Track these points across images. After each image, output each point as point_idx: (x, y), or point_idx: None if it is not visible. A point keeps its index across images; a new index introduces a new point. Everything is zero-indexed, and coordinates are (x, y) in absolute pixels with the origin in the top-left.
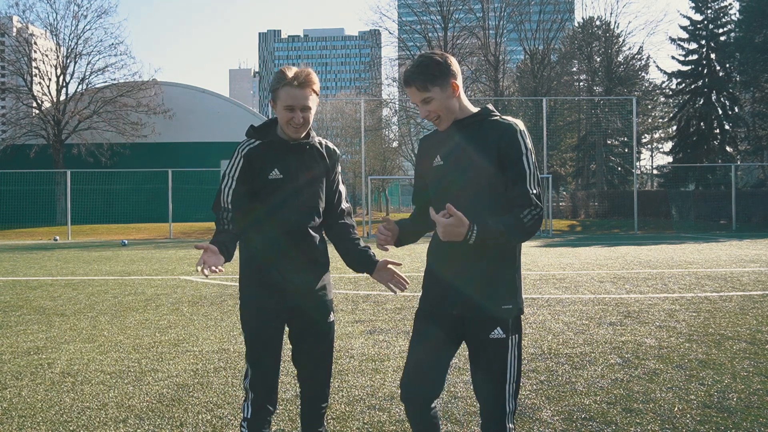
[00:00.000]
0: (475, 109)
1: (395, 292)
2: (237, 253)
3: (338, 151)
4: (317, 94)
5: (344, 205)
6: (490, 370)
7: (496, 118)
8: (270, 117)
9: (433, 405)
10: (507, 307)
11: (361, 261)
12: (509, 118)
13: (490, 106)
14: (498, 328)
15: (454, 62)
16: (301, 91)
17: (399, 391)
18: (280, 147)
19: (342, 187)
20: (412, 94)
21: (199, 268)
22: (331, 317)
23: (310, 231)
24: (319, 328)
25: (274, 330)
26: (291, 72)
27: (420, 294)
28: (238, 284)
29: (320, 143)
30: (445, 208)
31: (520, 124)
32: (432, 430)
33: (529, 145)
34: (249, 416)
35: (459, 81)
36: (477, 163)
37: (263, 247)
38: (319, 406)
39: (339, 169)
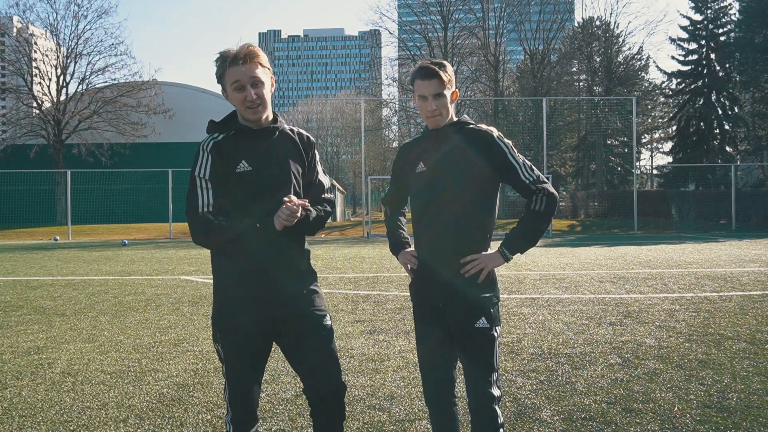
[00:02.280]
0: (454, 118)
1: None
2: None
3: (313, 139)
4: (267, 68)
5: (326, 195)
6: (478, 360)
7: (472, 126)
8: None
9: (452, 403)
10: (486, 295)
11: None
12: (484, 126)
13: (466, 117)
14: (482, 318)
15: None
16: (247, 65)
17: (401, 392)
18: (246, 136)
19: (323, 178)
20: (429, 86)
21: (297, 210)
22: (327, 320)
23: (290, 230)
24: (314, 336)
25: (254, 347)
26: (230, 52)
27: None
28: (214, 297)
29: (291, 130)
30: (430, 212)
31: (494, 131)
32: (448, 425)
33: (508, 143)
34: None
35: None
36: (459, 168)
37: (255, 250)
38: (332, 405)
39: (317, 158)
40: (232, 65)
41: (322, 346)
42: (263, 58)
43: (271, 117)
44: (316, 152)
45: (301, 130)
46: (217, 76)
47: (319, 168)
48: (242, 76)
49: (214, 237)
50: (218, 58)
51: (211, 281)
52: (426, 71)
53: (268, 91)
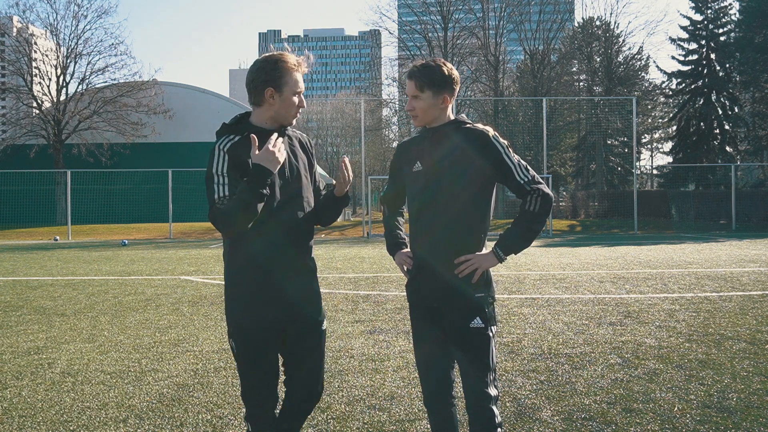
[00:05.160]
0: (451, 117)
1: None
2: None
3: (311, 144)
4: None
5: (323, 193)
6: (474, 360)
7: (468, 126)
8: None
9: (451, 404)
10: (480, 295)
11: (327, 200)
12: (480, 126)
13: (463, 116)
14: (477, 318)
15: (456, 79)
16: (301, 75)
17: (401, 392)
18: (263, 138)
19: (322, 183)
20: (408, 86)
21: (279, 153)
22: (324, 324)
23: (307, 228)
24: (313, 336)
25: (269, 342)
26: (292, 58)
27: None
28: (225, 294)
29: (294, 132)
30: (426, 212)
31: (490, 130)
32: (447, 426)
33: (504, 143)
34: (251, 430)
35: (452, 96)
36: (455, 168)
37: (261, 249)
38: (308, 409)
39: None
40: (297, 73)
41: (314, 357)
42: None
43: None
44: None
45: (301, 133)
46: (273, 77)
47: (318, 168)
48: (303, 85)
49: (230, 219)
50: (281, 61)
51: (211, 281)
52: (409, 72)
53: None
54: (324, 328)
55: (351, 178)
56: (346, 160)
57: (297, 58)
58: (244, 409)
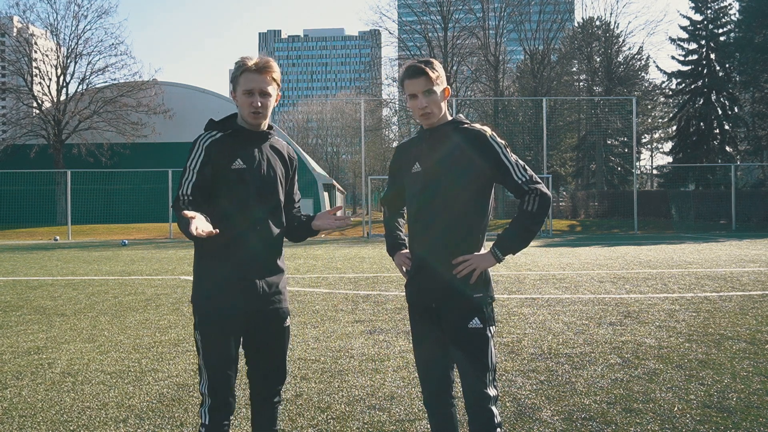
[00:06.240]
0: (448, 117)
1: (342, 230)
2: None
3: (295, 156)
4: (277, 84)
5: (296, 206)
6: (472, 360)
7: (466, 126)
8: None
9: (451, 404)
10: (478, 295)
11: (301, 225)
12: (477, 126)
13: (461, 116)
14: (476, 318)
15: None
16: (260, 76)
17: (401, 392)
18: (242, 136)
19: (298, 196)
20: (417, 84)
21: (194, 230)
22: (287, 322)
23: (273, 227)
24: (275, 333)
25: (235, 334)
26: (251, 60)
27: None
28: (193, 282)
29: (279, 141)
30: (425, 213)
31: (488, 130)
32: (447, 426)
33: (501, 143)
34: (207, 422)
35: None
36: (453, 168)
37: (227, 242)
38: (272, 403)
39: (296, 177)
40: (248, 72)
41: (279, 353)
42: (276, 73)
43: (266, 126)
44: (297, 170)
45: (288, 147)
46: (231, 78)
47: (296, 183)
48: (254, 85)
49: (178, 222)
50: (238, 62)
51: None
52: (413, 70)
53: (272, 104)
54: (287, 325)
55: (332, 227)
56: (345, 218)
57: (258, 59)
58: (205, 403)
